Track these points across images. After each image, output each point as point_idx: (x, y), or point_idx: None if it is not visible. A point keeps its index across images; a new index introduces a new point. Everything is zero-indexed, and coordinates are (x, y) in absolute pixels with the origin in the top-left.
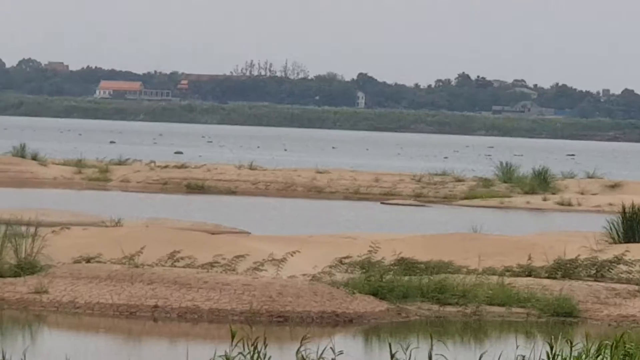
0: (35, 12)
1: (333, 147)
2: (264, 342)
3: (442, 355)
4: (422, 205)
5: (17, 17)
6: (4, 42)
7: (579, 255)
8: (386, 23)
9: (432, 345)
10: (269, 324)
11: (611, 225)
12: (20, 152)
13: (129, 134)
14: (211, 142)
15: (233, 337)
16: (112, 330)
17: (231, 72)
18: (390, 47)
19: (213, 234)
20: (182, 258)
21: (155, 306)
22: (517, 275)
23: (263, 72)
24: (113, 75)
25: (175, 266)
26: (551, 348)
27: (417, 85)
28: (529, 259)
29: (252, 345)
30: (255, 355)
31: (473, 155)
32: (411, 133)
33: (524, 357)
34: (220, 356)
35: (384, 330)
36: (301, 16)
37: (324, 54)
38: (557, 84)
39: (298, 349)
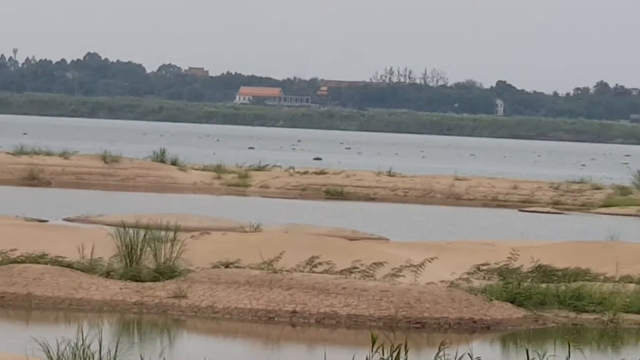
0: (174, 17)
1: (471, 155)
2: (405, 348)
3: None
4: (560, 213)
5: (157, 24)
6: (144, 47)
7: None
8: (525, 32)
9: (569, 353)
10: (407, 330)
11: None
12: (160, 157)
13: (268, 139)
14: (349, 148)
15: (374, 342)
16: (251, 336)
17: (370, 79)
18: (529, 56)
19: (351, 240)
20: (320, 264)
21: (294, 311)
22: None
23: (402, 79)
24: (253, 81)
25: (313, 272)
26: None
27: (555, 93)
28: None
29: (394, 350)
30: None
31: (610, 163)
32: (549, 141)
33: None
34: None
35: (521, 337)
36: (441, 24)
37: (463, 61)
38: None
39: (436, 355)
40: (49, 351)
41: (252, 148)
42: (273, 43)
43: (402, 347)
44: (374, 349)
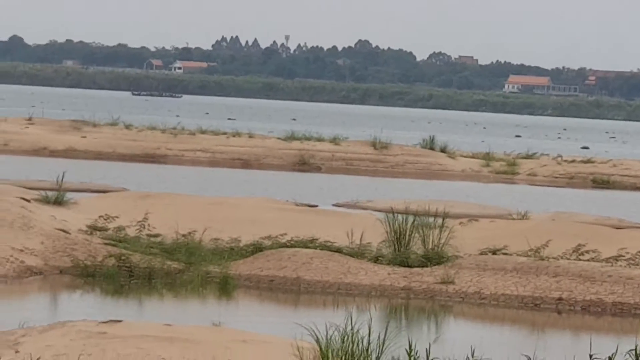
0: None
1: None
2: None
3: None
4: None
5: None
6: (415, 36)
7: None
8: None
9: None
10: None
11: None
12: (430, 144)
13: (534, 128)
14: (614, 137)
15: None
16: (517, 322)
17: (638, 69)
18: None
19: (617, 228)
20: (586, 252)
21: (560, 299)
22: None
23: None
24: (522, 70)
25: (579, 259)
26: None
27: None
28: None
29: None
30: None
31: None
32: None
33: None
34: (630, 350)
35: None
36: None
37: None
38: None
39: None
40: (317, 336)
41: (519, 136)
42: (542, 33)
43: None
44: None
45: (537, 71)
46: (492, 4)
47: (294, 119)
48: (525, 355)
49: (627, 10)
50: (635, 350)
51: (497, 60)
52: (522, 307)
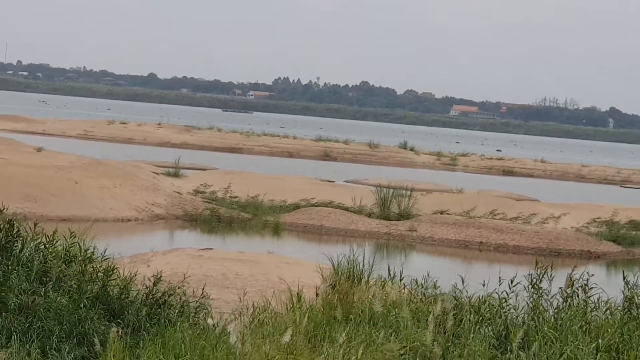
0: None
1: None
2: (551, 267)
3: None
4: None
5: None
6: (396, 78)
7: None
8: None
9: None
10: (549, 256)
11: None
12: (404, 146)
13: (467, 138)
14: (516, 145)
15: (537, 264)
16: (454, 256)
17: (532, 103)
18: None
19: (517, 200)
20: (498, 214)
21: (481, 242)
22: None
23: None
24: (461, 102)
25: (493, 218)
26: None
27: None
28: None
29: (539, 268)
30: (545, 275)
31: None
32: None
33: None
34: (524, 275)
35: (619, 263)
36: None
37: None
38: None
39: (569, 273)
40: (332, 260)
41: (458, 142)
42: (473, 77)
43: (549, 267)
44: (536, 268)
45: (471, 103)
46: (444, 58)
47: (321, 128)
48: (460, 275)
49: (533, 58)
50: (530, 275)
51: (446, 95)
52: (457, 246)
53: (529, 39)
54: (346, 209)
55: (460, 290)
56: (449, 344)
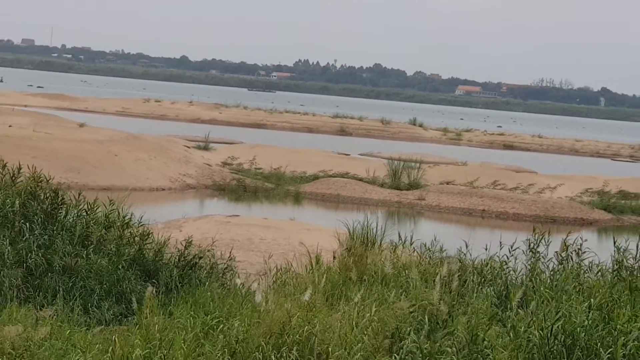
0: None
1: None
2: (548, 233)
3: None
4: (635, 162)
5: None
6: (407, 60)
7: None
8: None
9: (639, 238)
10: (546, 223)
11: None
12: (413, 122)
13: (471, 115)
14: (515, 121)
15: (534, 230)
16: (459, 222)
17: (531, 83)
18: None
19: (516, 172)
20: (499, 184)
21: (483, 210)
22: None
23: None
24: (465, 82)
25: (495, 188)
26: None
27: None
28: None
29: (537, 234)
30: (542, 240)
31: None
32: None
33: None
34: (523, 240)
35: (609, 230)
36: None
37: None
38: None
39: (564, 239)
40: (347, 227)
41: (462, 119)
42: (477, 57)
43: (546, 232)
44: (534, 234)
45: (474, 83)
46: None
47: (337, 106)
48: (464, 240)
49: (531, 41)
50: (529, 240)
51: (452, 76)
52: (462, 214)
53: (527, 24)
54: (361, 179)
55: (464, 254)
56: (454, 302)
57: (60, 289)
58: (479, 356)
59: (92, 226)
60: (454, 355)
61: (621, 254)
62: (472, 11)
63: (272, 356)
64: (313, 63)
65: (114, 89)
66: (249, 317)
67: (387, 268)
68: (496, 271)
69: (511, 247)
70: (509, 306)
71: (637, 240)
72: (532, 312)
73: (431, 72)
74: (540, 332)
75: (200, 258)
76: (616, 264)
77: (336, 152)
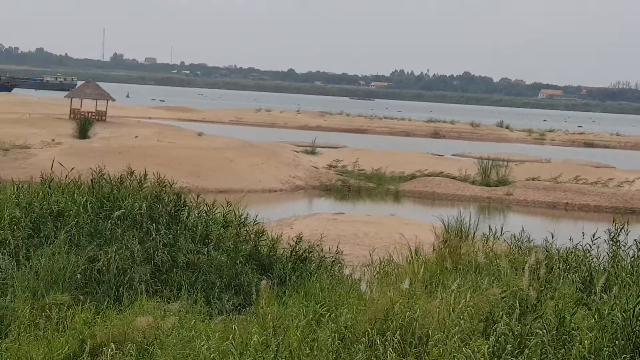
0: None
1: None
2: (627, 223)
3: None
4: None
5: None
6: (502, 69)
7: None
8: None
9: None
10: (625, 214)
11: None
12: (500, 124)
13: (553, 117)
14: (594, 121)
15: (614, 220)
16: (545, 215)
17: (609, 85)
18: None
19: (596, 167)
20: (580, 179)
21: (567, 203)
22: None
23: None
24: (547, 87)
25: (577, 183)
26: None
27: None
28: None
29: (617, 224)
30: (622, 230)
31: None
32: None
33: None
34: (604, 230)
35: None
36: None
37: None
38: None
39: None
40: (443, 221)
41: (545, 120)
42: (556, 63)
43: (626, 222)
44: (614, 224)
45: (555, 87)
46: (533, 49)
47: (431, 111)
48: (549, 231)
49: (609, 47)
50: (609, 230)
51: (535, 81)
52: (547, 207)
53: (605, 32)
54: (453, 177)
55: (550, 243)
56: (542, 288)
57: (184, 283)
58: (567, 337)
59: (211, 225)
60: (543, 336)
61: None
62: (555, 22)
63: (377, 340)
64: (408, 73)
65: (228, 100)
66: (355, 305)
67: (480, 258)
68: (580, 259)
69: (593, 237)
70: (593, 291)
71: None
72: (614, 296)
73: (516, 78)
74: (623, 314)
75: (310, 252)
76: None
77: (431, 153)
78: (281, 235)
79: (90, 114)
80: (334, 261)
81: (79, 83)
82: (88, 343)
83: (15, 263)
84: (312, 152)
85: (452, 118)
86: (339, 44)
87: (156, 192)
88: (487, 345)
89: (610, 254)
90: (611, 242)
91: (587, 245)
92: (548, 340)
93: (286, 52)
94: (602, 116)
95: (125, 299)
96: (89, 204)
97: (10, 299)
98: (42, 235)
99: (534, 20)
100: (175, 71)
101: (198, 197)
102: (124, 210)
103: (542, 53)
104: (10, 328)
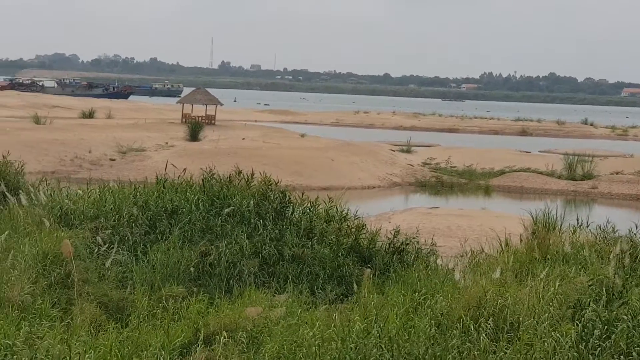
0: None
1: None
2: None
3: None
4: None
5: None
6: (575, 68)
7: None
8: None
9: None
10: None
11: None
12: (585, 122)
13: (635, 114)
14: None
15: None
16: (628, 207)
17: None
18: None
19: None
20: (621, 174)
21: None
22: None
23: None
24: (629, 85)
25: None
26: None
27: None
28: None
29: None
30: None
31: None
32: None
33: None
34: None
35: None
36: None
37: None
38: None
39: None
40: (531, 214)
41: (627, 117)
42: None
43: None
44: None
45: (638, 85)
46: (616, 49)
47: (518, 111)
48: (633, 222)
49: None
50: None
51: (617, 80)
52: (631, 199)
53: None
54: (540, 173)
55: (634, 234)
56: (628, 276)
57: (290, 275)
58: None
59: (315, 221)
60: (629, 321)
61: None
62: (634, 21)
63: (471, 326)
64: (496, 75)
65: (328, 103)
66: (450, 293)
67: (567, 248)
68: None
69: None
70: None
71: None
72: None
73: (599, 77)
74: None
75: (407, 244)
76: None
77: (519, 150)
78: (380, 229)
79: (200, 118)
80: (429, 252)
81: (186, 90)
82: (202, 331)
83: (134, 258)
84: (408, 151)
85: (539, 117)
86: (432, 49)
87: (263, 190)
88: (575, 331)
89: None
90: None
91: None
92: (634, 325)
93: (382, 58)
94: None
95: (235, 291)
96: (201, 202)
97: (130, 291)
98: (157, 231)
99: (616, 20)
100: (278, 77)
101: (302, 194)
102: (233, 207)
103: (624, 52)
104: (130, 318)
